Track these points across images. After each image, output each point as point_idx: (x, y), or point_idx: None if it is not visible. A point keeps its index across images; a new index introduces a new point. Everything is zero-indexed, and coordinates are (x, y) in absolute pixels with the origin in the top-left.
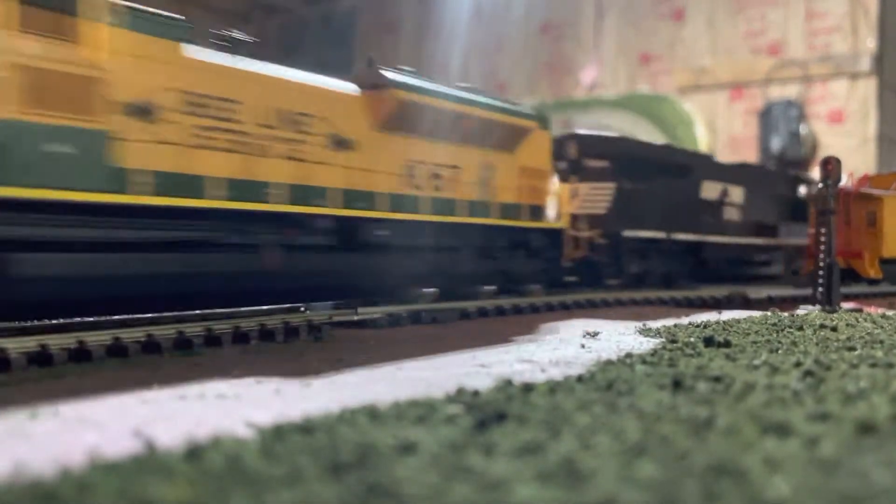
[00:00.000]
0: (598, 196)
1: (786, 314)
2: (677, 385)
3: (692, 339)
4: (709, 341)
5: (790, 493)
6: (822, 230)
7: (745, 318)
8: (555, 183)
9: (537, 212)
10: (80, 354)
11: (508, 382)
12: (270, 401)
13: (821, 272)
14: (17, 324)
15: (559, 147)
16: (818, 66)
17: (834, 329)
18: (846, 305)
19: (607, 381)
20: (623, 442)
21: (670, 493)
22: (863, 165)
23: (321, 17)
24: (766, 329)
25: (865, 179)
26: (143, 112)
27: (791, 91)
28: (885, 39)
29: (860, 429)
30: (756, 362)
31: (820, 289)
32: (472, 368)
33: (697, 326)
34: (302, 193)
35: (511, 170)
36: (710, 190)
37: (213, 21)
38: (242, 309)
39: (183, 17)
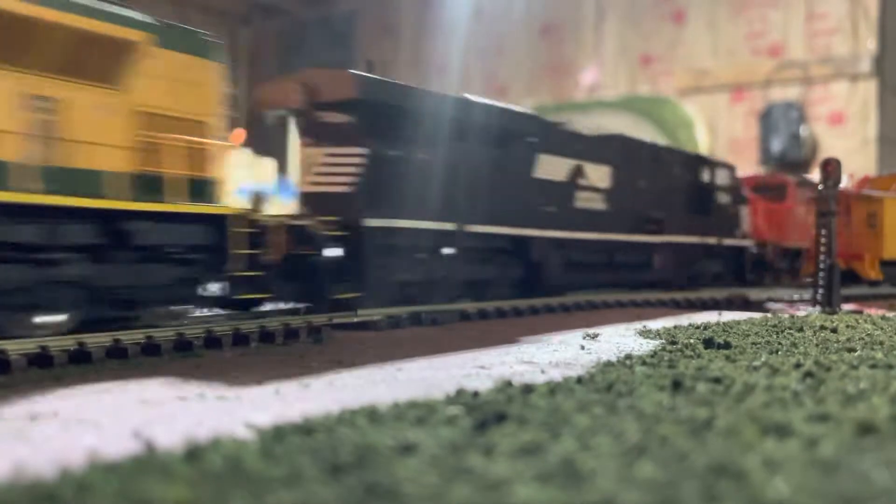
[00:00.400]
0: (337, 167)
1: (786, 316)
2: (677, 386)
3: (692, 341)
4: (709, 343)
5: (790, 493)
6: (823, 232)
7: (745, 320)
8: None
9: (177, 186)
10: (80, 356)
11: (508, 384)
12: (270, 402)
13: (821, 274)
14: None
15: (278, 93)
16: (818, 67)
17: (834, 330)
18: (846, 307)
19: (607, 382)
20: (623, 443)
21: (670, 493)
22: (863, 167)
23: (320, 19)
24: (766, 330)
25: (866, 181)
26: None
27: (791, 93)
28: (886, 41)
29: (860, 430)
30: (756, 363)
31: (820, 290)
32: (471, 370)
33: (697, 328)
34: None
35: (110, 115)
36: (552, 167)
37: (212, 23)
38: (242, 311)
39: None
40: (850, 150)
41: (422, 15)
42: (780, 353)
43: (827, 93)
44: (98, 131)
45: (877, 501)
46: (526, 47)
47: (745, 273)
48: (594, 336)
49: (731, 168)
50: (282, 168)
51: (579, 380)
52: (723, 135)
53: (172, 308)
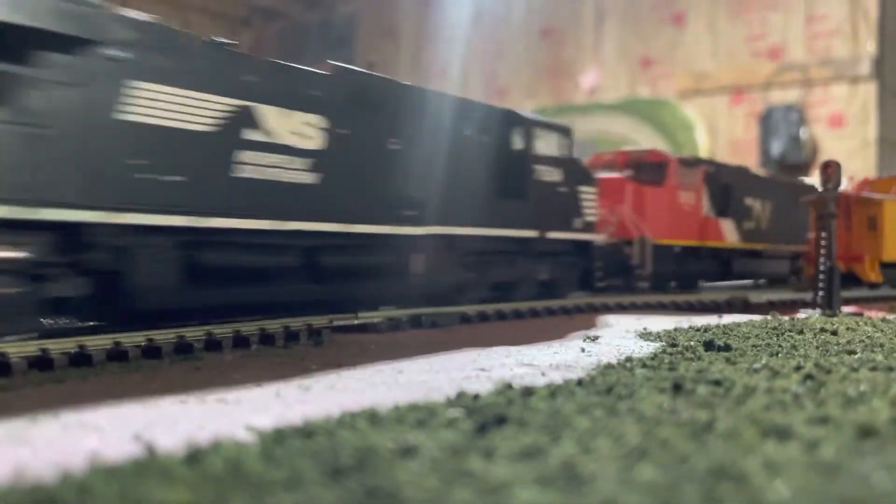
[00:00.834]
0: None
1: (786, 318)
2: (677, 389)
3: (692, 343)
4: (709, 345)
5: (790, 496)
6: (823, 234)
7: (745, 322)
8: None
9: None
10: (81, 359)
11: (508, 386)
12: (271, 405)
13: (821, 276)
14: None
15: None
16: (818, 69)
17: (834, 333)
18: (846, 309)
19: (607, 384)
20: (623, 445)
21: (670, 496)
22: (863, 169)
23: (321, 22)
24: (767, 333)
25: (865, 183)
26: None
27: (791, 95)
28: (886, 43)
29: (860, 432)
30: (756, 366)
31: (820, 292)
32: (472, 372)
33: (698, 330)
34: None
35: None
36: (172, 104)
37: (212, 26)
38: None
39: None
40: (850, 152)
41: (422, 18)
42: (780, 355)
43: (827, 95)
44: None
45: None
46: (526, 50)
47: (592, 279)
48: (594, 338)
49: (564, 132)
50: None
51: (580, 382)
52: (723, 137)
53: None
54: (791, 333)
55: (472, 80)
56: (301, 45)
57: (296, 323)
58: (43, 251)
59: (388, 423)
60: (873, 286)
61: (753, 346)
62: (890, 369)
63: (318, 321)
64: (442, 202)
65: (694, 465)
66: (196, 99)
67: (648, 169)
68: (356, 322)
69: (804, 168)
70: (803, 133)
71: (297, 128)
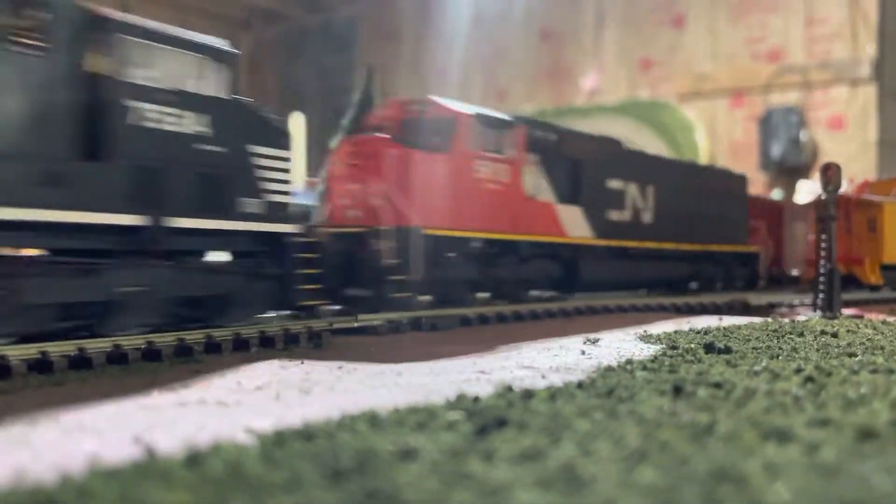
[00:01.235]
0: None
1: (786, 320)
2: (678, 391)
3: (693, 346)
4: (709, 347)
5: (791, 498)
6: (823, 236)
7: (745, 325)
8: None
9: None
10: (81, 362)
11: (509, 389)
12: (270, 407)
13: (822, 278)
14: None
15: None
16: (818, 72)
17: (835, 335)
18: (847, 311)
19: (608, 387)
20: (623, 448)
21: (671, 499)
22: (863, 171)
23: (321, 24)
24: (767, 335)
25: (865, 185)
26: None
27: (791, 97)
28: (885, 45)
29: (861, 435)
30: (757, 368)
31: (821, 295)
32: (472, 375)
33: (698, 333)
34: None
35: None
36: None
37: (212, 29)
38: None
39: None
40: (850, 154)
41: (422, 20)
42: (780, 357)
43: (827, 97)
44: None
45: None
46: (526, 52)
47: (292, 293)
48: (595, 341)
49: (211, 52)
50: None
51: (580, 385)
52: (723, 139)
53: None
54: (791, 336)
55: (472, 83)
56: (301, 48)
57: (296, 326)
58: None
59: (388, 425)
60: (874, 288)
61: (754, 348)
62: (890, 372)
63: (318, 324)
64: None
65: (694, 468)
66: None
67: (429, 128)
68: (356, 325)
69: (804, 170)
70: (803, 135)
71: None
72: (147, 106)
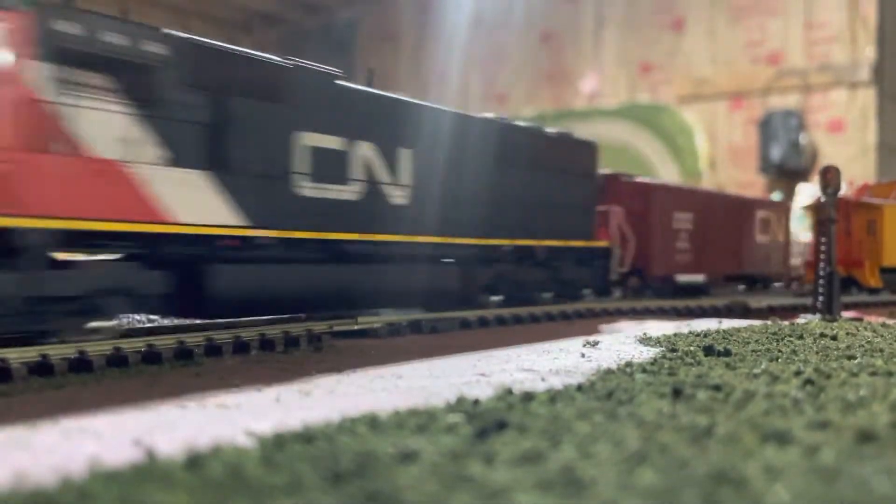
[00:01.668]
0: None
1: (786, 323)
2: (677, 394)
3: (692, 348)
4: (709, 350)
5: (790, 501)
6: (823, 239)
7: (745, 327)
8: None
9: None
10: (81, 365)
11: (509, 391)
12: (271, 410)
13: (821, 281)
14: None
15: None
16: (818, 75)
17: (834, 338)
18: (846, 314)
19: (607, 389)
20: (623, 450)
21: (671, 501)
22: (863, 174)
23: (321, 27)
24: (766, 338)
25: (865, 188)
26: None
27: (791, 100)
28: (884, 49)
29: (860, 437)
30: (756, 371)
31: (820, 298)
32: (472, 377)
33: (697, 335)
34: None
35: None
36: None
37: (212, 32)
38: (242, 319)
39: None
40: (850, 157)
41: (422, 23)
42: (780, 360)
43: (826, 100)
44: None
45: None
46: (525, 55)
47: None
48: (594, 344)
49: None
50: None
51: (580, 387)
52: (722, 143)
53: None
54: (791, 338)
55: (471, 86)
56: (301, 51)
57: (296, 328)
58: None
59: (389, 428)
60: (873, 291)
61: (753, 351)
62: (890, 374)
63: (318, 326)
64: None
65: (694, 470)
66: None
67: None
68: (356, 328)
69: (804, 174)
70: (803, 138)
71: None
72: None
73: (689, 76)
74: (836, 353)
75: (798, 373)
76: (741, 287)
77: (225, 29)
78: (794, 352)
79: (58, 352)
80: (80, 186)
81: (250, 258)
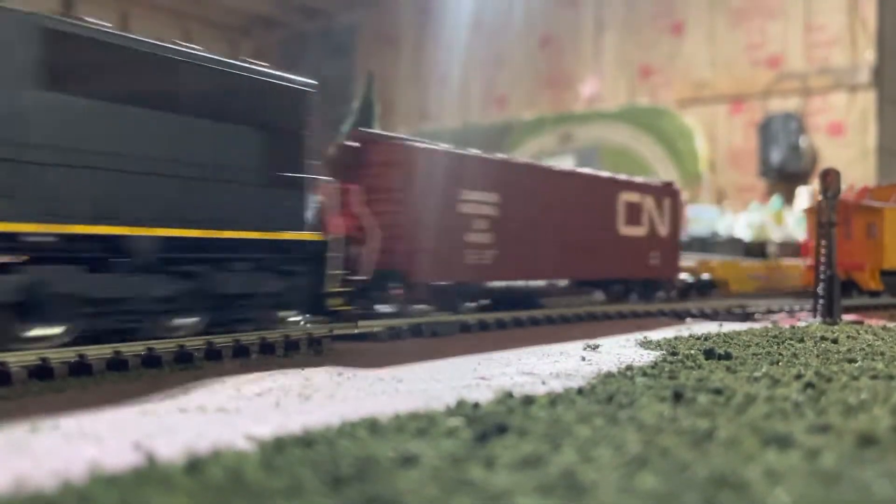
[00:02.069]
0: None
1: (786, 326)
2: (678, 397)
3: (693, 352)
4: (709, 353)
5: None
6: (823, 242)
7: (745, 331)
8: None
9: None
10: (81, 368)
11: (509, 395)
12: (271, 414)
13: (822, 284)
14: None
15: None
16: (817, 78)
17: (835, 341)
18: (847, 317)
19: (608, 393)
20: (624, 454)
21: None
22: (863, 177)
23: (321, 30)
24: (767, 341)
25: (865, 191)
26: None
27: (791, 103)
28: (884, 52)
29: (861, 441)
30: (757, 374)
31: (821, 301)
32: (472, 381)
33: (698, 339)
34: None
35: None
36: None
37: (213, 36)
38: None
39: None
40: (850, 160)
41: (422, 27)
42: (780, 363)
43: (826, 103)
44: None
45: None
46: (525, 59)
47: None
48: (595, 347)
49: None
50: None
51: (580, 391)
52: (722, 146)
53: None
54: (791, 342)
55: (471, 89)
56: (301, 54)
57: (296, 332)
58: None
59: (389, 431)
60: (873, 294)
61: (754, 354)
62: (890, 377)
63: (319, 330)
64: None
65: (695, 474)
66: None
67: None
68: (356, 331)
69: (804, 176)
70: (803, 141)
71: None
72: None
73: (689, 79)
74: (836, 356)
75: (799, 376)
76: (599, 296)
77: (225, 34)
78: (794, 355)
79: (57, 355)
80: None
81: None
